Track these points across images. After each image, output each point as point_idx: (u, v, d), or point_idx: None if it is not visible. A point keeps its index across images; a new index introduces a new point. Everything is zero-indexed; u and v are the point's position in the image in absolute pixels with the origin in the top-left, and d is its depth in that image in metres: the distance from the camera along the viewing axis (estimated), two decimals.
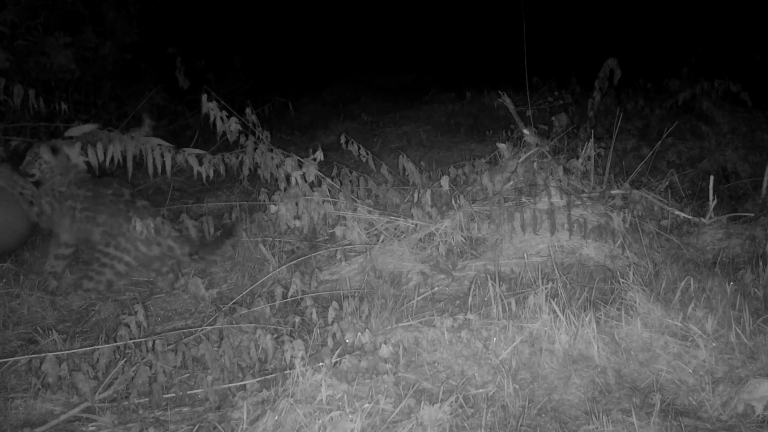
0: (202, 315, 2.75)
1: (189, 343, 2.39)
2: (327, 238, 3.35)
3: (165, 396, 2.19)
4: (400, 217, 3.28)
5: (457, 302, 2.72)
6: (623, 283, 2.56)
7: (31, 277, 3.10)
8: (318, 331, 2.46)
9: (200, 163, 3.15)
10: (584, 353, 2.24)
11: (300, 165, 3.28)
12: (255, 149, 3.28)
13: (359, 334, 2.32)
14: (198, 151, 3.23)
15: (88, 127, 3.19)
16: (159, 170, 3.13)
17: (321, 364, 2.16)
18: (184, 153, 3.17)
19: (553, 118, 4.29)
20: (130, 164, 3.10)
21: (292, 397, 2.01)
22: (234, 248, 3.22)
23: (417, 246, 3.13)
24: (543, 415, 2.00)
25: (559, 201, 3.18)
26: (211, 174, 3.27)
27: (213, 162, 3.24)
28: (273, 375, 2.22)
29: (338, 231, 3.21)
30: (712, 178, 3.29)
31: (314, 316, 2.51)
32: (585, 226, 3.02)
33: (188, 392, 2.21)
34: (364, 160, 3.60)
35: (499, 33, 7.01)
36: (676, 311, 2.37)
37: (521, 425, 1.94)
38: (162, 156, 3.11)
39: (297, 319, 2.52)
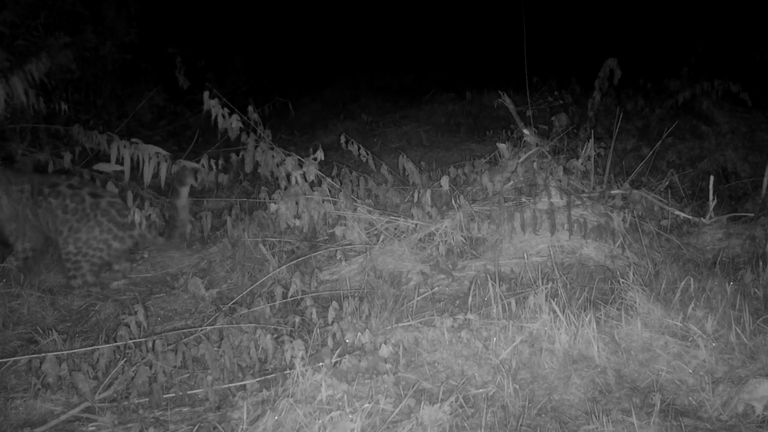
0: (202, 315, 2.75)
1: (189, 343, 2.39)
2: (327, 238, 3.35)
3: (165, 396, 2.19)
4: (400, 217, 3.28)
5: (457, 302, 2.72)
6: (623, 283, 2.56)
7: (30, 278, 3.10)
8: (318, 331, 2.45)
9: (195, 179, 3.16)
10: (584, 353, 2.23)
11: (300, 164, 3.28)
12: (256, 147, 3.28)
13: (359, 334, 2.31)
14: (193, 164, 3.28)
15: (115, 166, 3.32)
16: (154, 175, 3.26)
17: (321, 364, 2.16)
18: (180, 164, 3.23)
19: (553, 118, 4.29)
20: (127, 169, 3.23)
21: (292, 397, 2.01)
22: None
23: (417, 246, 3.13)
24: (543, 415, 2.00)
25: (559, 201, 3.18)
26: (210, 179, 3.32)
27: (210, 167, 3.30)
28: (273, 375, 2.22)
29: (338, 231, 3.21)
30: (712, 178, 3.29)
31: (314, 316, 2.51)
32: (585, 226, 3.02)
33: (188, 392, 2.21)
34: (364, 160, 3.60)
35: (499, 33, 7.01)
36: (676, 311, 2.37)
37: (521, 425, 1.94)
38: (158, 165, 3.23)
39: (297, 319, 2.52)
